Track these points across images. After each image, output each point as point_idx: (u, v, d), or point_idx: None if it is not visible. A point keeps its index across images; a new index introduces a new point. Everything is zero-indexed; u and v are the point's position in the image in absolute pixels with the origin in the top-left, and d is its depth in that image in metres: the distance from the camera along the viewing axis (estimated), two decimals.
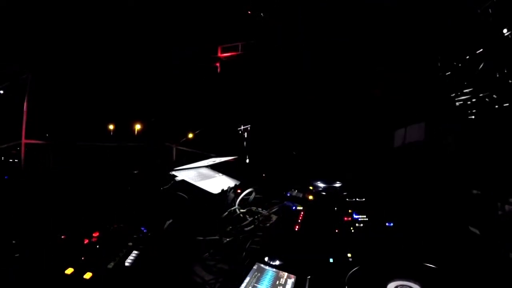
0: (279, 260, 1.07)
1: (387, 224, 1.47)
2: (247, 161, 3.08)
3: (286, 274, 1.00)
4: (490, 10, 1.57)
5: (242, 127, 3.41)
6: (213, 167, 2.32)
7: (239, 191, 1.92)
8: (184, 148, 7.03)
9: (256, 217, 1.54)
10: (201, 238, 1.31)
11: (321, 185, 2.33)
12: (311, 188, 2.22)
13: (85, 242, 1.04)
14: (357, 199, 1.79)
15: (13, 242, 1.01)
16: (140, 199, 1.63)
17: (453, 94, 2.15)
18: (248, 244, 1.25)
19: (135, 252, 1.02)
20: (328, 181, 2.34)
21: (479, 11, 1.55)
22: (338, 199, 1.85)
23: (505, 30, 1.51)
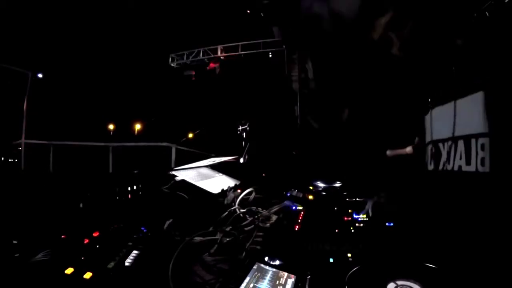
0: (279, 260, 1.07)
1: (387, 224, 1.47)
2: (241, 160, 3.08)
3: (286, 274, 1.00)
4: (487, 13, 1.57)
5: (241, 127, 3.42)
6: (213, 167, 2.32)
7: (239, 191, 1.93)
8: (184, 148, 7.04)
9: (256, 217, 1.54)
10: (201, 238, 1.31)
11: (321, 185, 2.33)
12: (311, 188, 2.23)
13: (85, 242, 1.04)
14: (357, 199, 1.79)
15: (13, 242, 1.01)
16: (140, 199, 1.63)
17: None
18: (248, 244, 1.25)
19: (135, 252, 1.02)
20: (328, 181, 2.35)
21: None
22: (338, 199, 1.85)
23: None
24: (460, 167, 1.49)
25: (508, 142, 1.20)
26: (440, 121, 1.80)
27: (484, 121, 1.31)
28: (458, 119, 1.53)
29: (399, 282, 0.92)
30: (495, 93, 1.27)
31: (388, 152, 2.44)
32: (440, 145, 1.72)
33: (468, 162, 1.41)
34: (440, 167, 1.67)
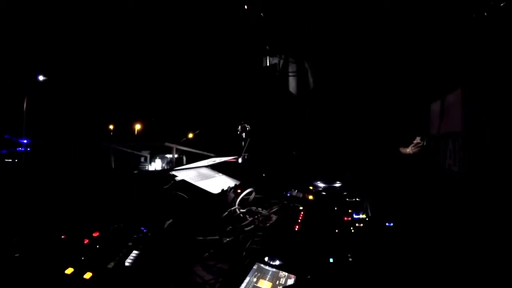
0: (279, 260, 1.07)
1: (387, 224, 1.47)
2: (240, 160, 3.07)
3: (286, 274, 1.00)
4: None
5: (240, 127, 3.40)
6: (213, 167, 2.32)
7: (239, 191, 1.92)
8: (184, 148, 7.04)
9: (256, 217, 1.54)
10: (201, 238, 1.31)
11: (321, 185, 2.33)
12: (311, 188, 2.23)
13: (85, 242, 1.04)
14: (357, 199, 1.79)
15: (14, 241, 1.01)
16: (140, 199, 1.63)
17: None
18: (248, 244, 1.25)
19: (135, 252, 1.02)
20: (328, 181, 2.35)
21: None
22: (338, 199, 1.85)
23: None
24: (449, 166, 1.47)
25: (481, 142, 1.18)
26: (435, 116, 1.79)
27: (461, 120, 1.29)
28: (445, 116, 1.51)
29: None
30: (471, 92, 1.25)
31: (401, 149, 2.46)
32: (435, 141, 1.70)
33: (454, 162, 1.40)
34: (439, 164, 1.66)
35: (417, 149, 2.32)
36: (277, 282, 0.96)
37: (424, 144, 2.24)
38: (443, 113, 1.56)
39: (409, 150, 2.37)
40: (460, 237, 1.15)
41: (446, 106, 1.54)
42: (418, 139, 2.36)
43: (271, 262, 1.05)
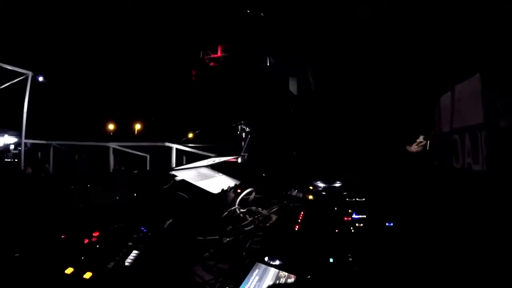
0: (279, 260, 1.07)
1: (387, 224, 1.47)
2: (240, 160, 3.08)
3: (286, 274, 1.00)
4: None
5: (239, 127, 3.39)
6: (213, 167, 2.32)
7: (239, 191, 1.92)
8: (184, 148, 7.03)
9: (256, 217, 1.54)
10: (201, 238, 1.31)
11: (321, 185, 2.33)
12: (311, 188, 2.23)
13: (85, 242, 1.04)
14: (357, 199, 1.79)
15: (13, 242, 1.01)
16: (140, 199, 1.63)
17: None
18: (248, 244, 1.25)
19: (135, 252, 1.02)
20: (328, 181, 2.35)
21: None
22: (338, 199, 1.85)
23: None
24: (469, 165, 1.35)
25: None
26: (445, 111, 1.69)
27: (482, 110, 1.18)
28: (458, 107, 1.41)
29: None
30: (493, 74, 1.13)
31: (407, 147, 2.46)
32: (448, 137, 1.60)
33: (475, 160, 1.28)
34: (449, 163, 1.58)
35: (419, 148, 2.33)
36: (277, 282, 0.96)
37: (427, 144, 2.25)
38: (455, 105, 1.47)
39: (412, 148, 2.38)
40: (477, 239, 1.12)
41: (457, 97, 1.44)
42: (421, 138, 2.36)
43: (271, 262, 1.05)
